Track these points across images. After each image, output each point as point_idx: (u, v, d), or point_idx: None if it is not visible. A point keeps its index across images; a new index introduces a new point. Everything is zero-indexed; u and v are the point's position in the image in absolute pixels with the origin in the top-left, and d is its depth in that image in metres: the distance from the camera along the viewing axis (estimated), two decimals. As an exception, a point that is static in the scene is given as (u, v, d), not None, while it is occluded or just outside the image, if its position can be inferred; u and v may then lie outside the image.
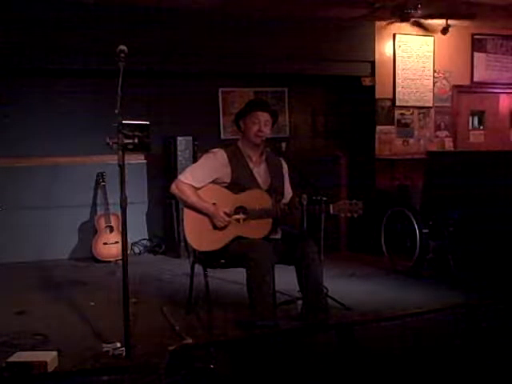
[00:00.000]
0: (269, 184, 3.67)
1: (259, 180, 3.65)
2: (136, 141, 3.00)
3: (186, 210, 3.59)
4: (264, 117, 3.58)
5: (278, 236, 3.67)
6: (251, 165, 3.65)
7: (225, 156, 3.60)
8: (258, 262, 3.31)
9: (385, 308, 3.98)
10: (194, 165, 3.75)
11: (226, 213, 3.50)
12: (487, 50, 6.67)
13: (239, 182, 3.57)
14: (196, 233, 3.56)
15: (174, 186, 3.59)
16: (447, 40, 6.37)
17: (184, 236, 3.61)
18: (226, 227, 3.51)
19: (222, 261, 3.59)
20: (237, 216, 3.54)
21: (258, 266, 3.31)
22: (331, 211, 3.48)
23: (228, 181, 3.58)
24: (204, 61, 5.63)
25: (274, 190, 3.65)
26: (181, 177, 3.59)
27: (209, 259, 3.64)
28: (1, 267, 5.46)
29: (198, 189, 3.55)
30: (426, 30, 6.19)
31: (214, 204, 3.53)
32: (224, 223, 3.50)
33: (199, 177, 3.56)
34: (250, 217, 3.52)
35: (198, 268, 3.74)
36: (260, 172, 3.68)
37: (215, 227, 3.52)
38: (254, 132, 3.57)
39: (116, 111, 2.92)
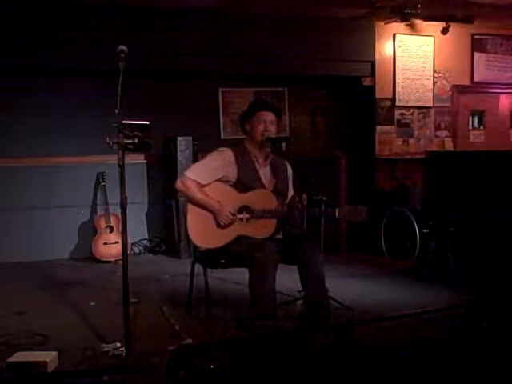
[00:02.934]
0: (273, 186, 3.68)
1: (264, 181, 3.66)
2: (136, 141, 3.00)
3: (189, 206, 3.57)
4: (269, 116, 3.60)
5: (280, 236, 3.68)
6: (257, 166, 3.66)
7: (232, 155, 3.61)
8: (262, 262, 3.31)
9: (385, 308, 3.98)
10: (200, 161, 3.76)
11: (230, 212, 3.50)
12: (487, 50, 6.67)
13: (244, 181, 3.57)
14: (199, 229, 3.55)
15: (179, 182, 3.59)
16: (447, 40, 6.37)
17: (184, 235, 3.61)
18: (230, 226, 3.51)
19: (223, 261, 3.59)
20: (241, 215, 3.54)
21: (262, 265, 3.31)
22: (336, 215, 3.50)
23: (233, 180, 3.58)
24: (204, 61, 5.64)
25: (279, 192, 3.66)
26: (187, 173, 3.60)
27: (210, 258, 3.63)
28: (1, 267, 5.46)
29: (204, 186, 3.55)
30: (426, 30, 6.20)
31: (218, 202, 3.53)
32: (228, 221, 3.49)
33: (205, 174, 3.56)
34: (254, 216, 3.52)
35: (198, 268, 3.74)
36: (266, 174, 3.69)
37: (219, 225, 3.52)
38: (260, 131, 3.59)
39: (116, 111, 2.92)
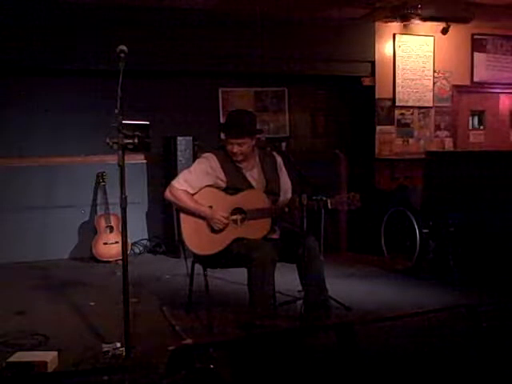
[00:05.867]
0: (265, 186, 3.66)
1: (253, 183, 3.64)
2: (136, 141, 3.00)
3: (182, 215, 3.56)
4: (237, 140, 3.54)
5: (277, 235, 3.67)
6: (243, 169, 3.64)
7: (216, 160, 3.60)
8: (260, 262, 3.31)
9: (385, 308, 3.98)
10: (187, 170, 3.67)
11: (222, 215, 3.49)
12: (487, 50, 6.67)
13: (234, 185, 3.56)
14: (195, 237, 3.54)
15: (168, 193, 3.56)
16: (447, 40, 6.37)
17: (183, 238, 3.59)
18: (225, 229, 3.50)
19: (223, 261, 3.59)
20: (234, 217, 3.54)
21: (260, 265, 3.31)
22: (329, 206, 3.48)
23: (223, 186, 3.58)
24: (204, 61, 5.64)
25: (271, 192, 3.65)
26: (174, 183, 3.56)
27: (209, 260, 3.63)
28: (1, 267, 5.46)
29: (193, 194, 3.54)
30: (426, 30, 6.20)
31: (210, 207, 3.52)
32: (222, 225, 3.48)
33: (193, 182, 3.54)
34: (248, 217, 3.52)
35: (198, 268, 3.74)
36: (254, 175, 3.67)
37: (213, 230, 3.50)
38: (229, 151, 3.58)
39: (116, 111, 2.92)
